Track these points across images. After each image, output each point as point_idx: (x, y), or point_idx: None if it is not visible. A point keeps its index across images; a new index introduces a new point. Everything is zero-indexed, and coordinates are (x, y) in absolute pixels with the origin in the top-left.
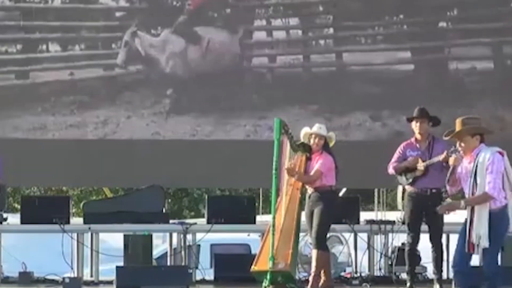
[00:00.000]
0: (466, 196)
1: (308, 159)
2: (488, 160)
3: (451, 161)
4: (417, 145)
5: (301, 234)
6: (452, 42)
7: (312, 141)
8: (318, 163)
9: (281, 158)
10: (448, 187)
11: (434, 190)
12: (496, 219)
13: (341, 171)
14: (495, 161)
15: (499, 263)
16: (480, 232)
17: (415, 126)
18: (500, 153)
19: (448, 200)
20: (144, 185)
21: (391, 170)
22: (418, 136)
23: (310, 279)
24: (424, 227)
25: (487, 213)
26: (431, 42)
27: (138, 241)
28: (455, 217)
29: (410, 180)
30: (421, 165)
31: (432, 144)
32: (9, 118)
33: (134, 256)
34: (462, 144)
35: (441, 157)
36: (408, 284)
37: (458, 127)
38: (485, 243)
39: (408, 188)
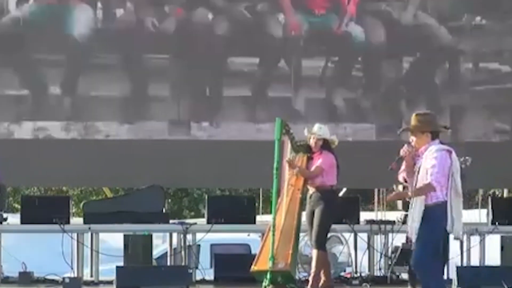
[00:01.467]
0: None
1: (310, 158)
2: (432, 155)
3: (401, 152)
4: None
5: (301, 234)
6: None
7: (311, 141)
8: (319, 161)
9: (282, 158)
10: (407, 179)
11: None
12: (431, 214)
13: (341, 171)
14: (438, 157)
15: (500, 262)
16: (413, 225)
17: None
18: (448, 151)
19: (400, 188)
20: (144, 185)
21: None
22: None
23: (310, 279)
24: None
25: (422, 208)
26: None
27: (138, 241)
28: None
29: None
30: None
31: None
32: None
33: (134, 256)
34: (415, 141)
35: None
36: (409, 284)
37: (411, 122)
38: (413, 237)
39: None
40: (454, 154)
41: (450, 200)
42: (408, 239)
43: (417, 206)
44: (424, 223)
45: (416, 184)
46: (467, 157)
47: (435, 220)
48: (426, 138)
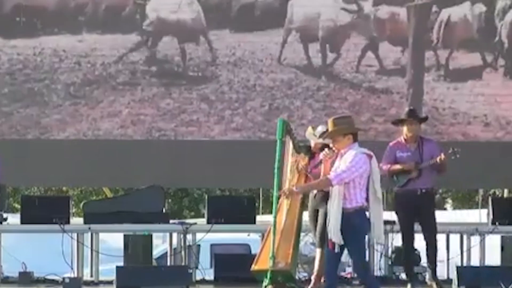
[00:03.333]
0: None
1: (311, 158)
2: (350, 157)
3: (321, 155)
4: (407, 145)
5: (301, 234)
6: None
7: (311, 142)
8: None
9: (284, 158)
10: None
11: (424, 190)
12: (353, 219)
13: None
14: (356, 160)
15: (500, 262)
16: (331, 228)
17: (405, 127)
18: (368, 155)
19: None
20: (144, 185)
21: (383, 172)
22: (408, 138)
23: (313, 278)
24: (418, 226)
25: (339, 211)
26: None
27: (138, 241)
28: (455, 217)
29: (405, 181)
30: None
31: (422, 144)
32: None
33: (134, 256)
34: (335, 145)
35: (438, 159)
36: (408, 286)
37: (330, 127)
38: (337, 240)
39: (398, 190)
40: (374, 159)
41: (369, 205)
42: (330, 241)
43: (334, 207)
44: (348, 230)
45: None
46: (455, 149)
47: (357, 226)
48: (348, 141)
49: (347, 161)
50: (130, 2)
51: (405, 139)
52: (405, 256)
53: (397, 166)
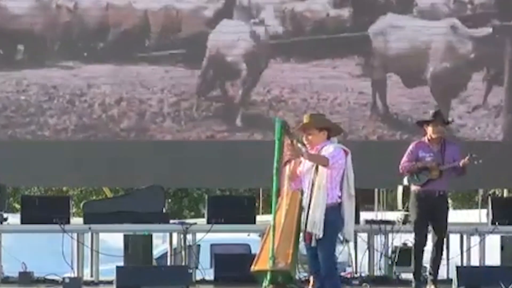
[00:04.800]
0: (305, 194)
1: None
2: (330, 149)
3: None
4: (430, 146)
5: (301, 234)
6: None
7: None
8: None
9: (282, 158)
10: (293, 182)
11: (441, 192)
12: (328, 215)
13: None
14: (335, 152)
15: (500, 262)
16: (315, 220)
17: (430, 128)
18: (344, 151)
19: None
20: (144, 185)
21: (404, 169)
22: (432, 139)
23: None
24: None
25: (324, 204)
26: None
27: (138, 241)
28: (456, 217)
29: (425, 181)
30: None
31: (444, 146)
32: None
33: (134, 256)
34: (309, 137)
35: (461, 162)
36: (413, 285)
37: (305, 120)
38: (318, 232)
39: (416, 189)
40: (349, 156)
41: (342, 201)
42: (308, 234)
43: (320, 201)
44: (324, 227)
45: (312, 182)
46: (474, 155)
47: (331, 223)
48: (323, 136)
49: (329, 151)
50: (150, 26)
51: (429, 140)
52: (415, 254)
53: (419, 164)
